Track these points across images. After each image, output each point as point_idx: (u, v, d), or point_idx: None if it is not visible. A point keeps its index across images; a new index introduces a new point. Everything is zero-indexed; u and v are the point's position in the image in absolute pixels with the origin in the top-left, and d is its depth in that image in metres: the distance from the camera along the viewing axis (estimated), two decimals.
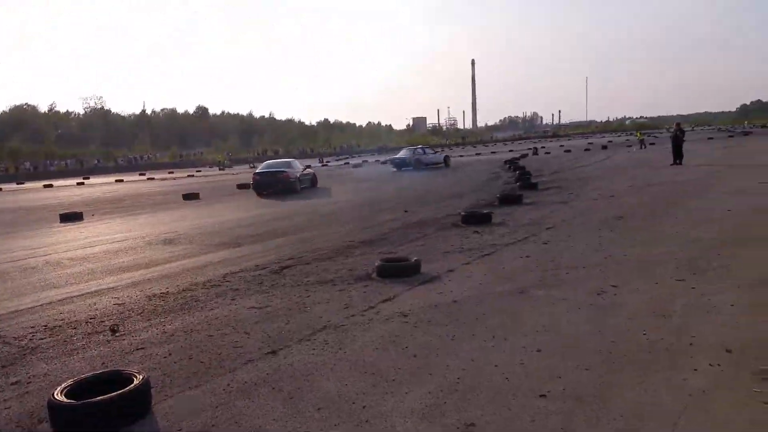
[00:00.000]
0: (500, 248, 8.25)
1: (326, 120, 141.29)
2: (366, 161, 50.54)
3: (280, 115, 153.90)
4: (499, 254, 7.88)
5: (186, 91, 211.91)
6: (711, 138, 48.18)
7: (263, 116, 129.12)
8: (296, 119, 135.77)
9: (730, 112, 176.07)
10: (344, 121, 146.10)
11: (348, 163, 49.90)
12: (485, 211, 11.17)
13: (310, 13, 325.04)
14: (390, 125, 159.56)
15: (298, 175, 22.21)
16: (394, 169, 32.71)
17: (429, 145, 57.33)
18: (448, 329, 4.86)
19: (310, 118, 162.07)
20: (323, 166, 49.30)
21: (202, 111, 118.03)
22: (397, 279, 6.68)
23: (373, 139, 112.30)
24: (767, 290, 5.27)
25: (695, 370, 3.68)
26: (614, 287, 5.78)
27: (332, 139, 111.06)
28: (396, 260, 7.21)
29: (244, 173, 42.76)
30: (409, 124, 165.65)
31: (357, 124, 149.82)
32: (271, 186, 21.41)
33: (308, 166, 26.71)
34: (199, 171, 53.81)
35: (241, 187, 25.57)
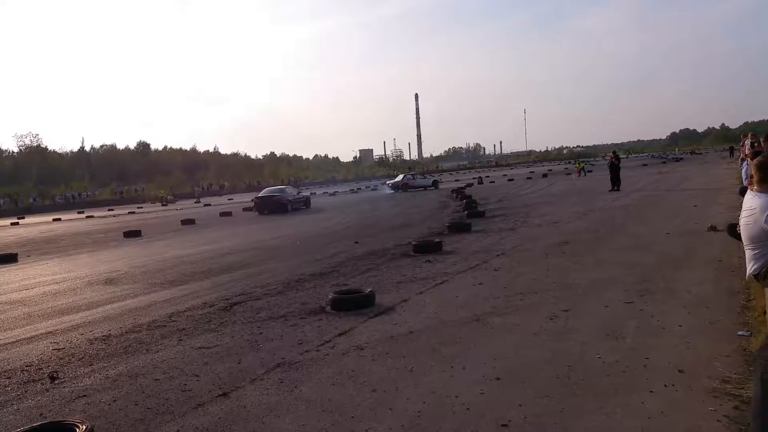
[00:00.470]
0: (453, 276, 8.27)
1: (272, 153, 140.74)
2: (314, 193, 50.33)
3: (225, 149, 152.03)
4: (452, 283, 7.89)
5: (126, 127, 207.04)
6: (645, 165, 50.49)
7: (207, 150, 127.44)
8: (242, 153, 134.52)
9: (660, 139, 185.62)
10: (291, 155, 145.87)
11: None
12: (436, 240, 11.23)
13: (251, 46, 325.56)
14: (337, 157, 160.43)
15: (290, 199, 28.36)
16: (392, 191, 39.88)
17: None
18: (406, 361, 4.78)
19: (256, 152, 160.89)
20: None
21: (143, 146, 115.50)
22: (351, 311, 6.58)
23: (321, 171, 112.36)
24: (709, 310, 5.44)
25: (651, 391, 3.72)
26: (566, 311, 5.86)
27: (279, 172, 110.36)
28: (350, 292, 7.11)
29: (188, 208, 41.81)
30: (356, 156, 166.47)
31: (304, 157, 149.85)
32: (267, 207, 27.51)
33: (300, 191, 34.51)
34: (141, 207, 52.22)
35: (186, 222, 24.93)
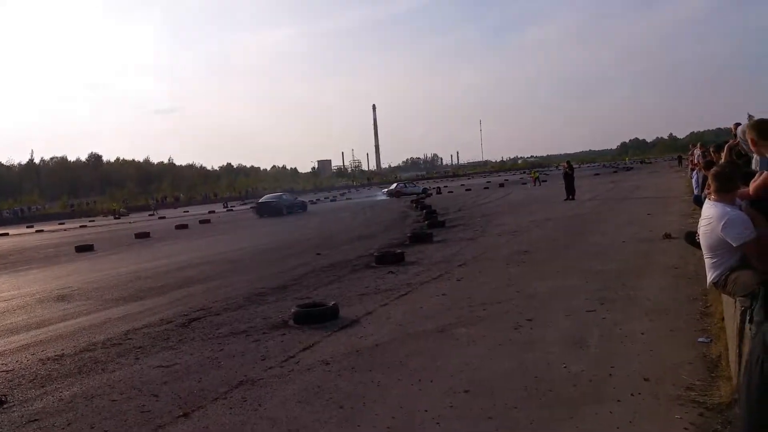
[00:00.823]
0: (416, 287, 8.25)
1: (229, 164, 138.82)
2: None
3: (180, 161, 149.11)
4: (415, 294, 7.86)
5: (78, 139, 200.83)
6: (597, 174, 51.91)
7: (162, 162, 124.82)
8: (197, 164, 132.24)
9: (611, 149, 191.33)
10: (248, 165, 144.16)
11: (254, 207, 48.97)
12: (398, 251, 11.21)
13: (206, 54, 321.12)
14: (295, 168, 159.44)
15: (286, 204, 33.61)
16: (386, 197, 46.87)
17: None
18: (372, 375, 4.71)
19: (212, 163, 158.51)
20: (228, 211, 48.10)
21: (94, 158, 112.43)
22: (315, 325, 6.46)
23: (279, 182, 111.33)
24: (670, 317, 5.56)
25: (618, 401, 3.75)
26: (530, 321, 5.89)
27: (236, 183, 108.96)
28: (313, 305, 6.99)
29: (142, 221, 40.75)
30: (314, 167, 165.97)
31: (261, 168, 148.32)
32: (266, 211, 32.47)
33: (297, 198, 39.07)
34: (93, 221, 50.66)
35: (140, 236, 24.25)
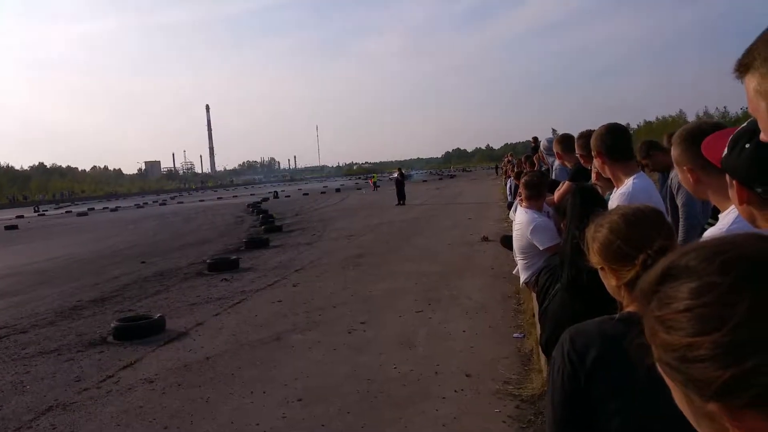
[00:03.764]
0: (251, 295, 8.04)
1: (41, 164, 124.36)
2: (93, 209, 45.66)
3: None
4: (250, 301, 7.66)
5: None
6: (425, 181, 54.92)
7: None
8: (3, 163, 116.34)
9: (437, 157, 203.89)
10: (64, 165, 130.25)
11: (71, 211, 44.35)
12: (233, 257, 10.85)
13: (12, 43, 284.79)
14: (119, 169, 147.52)
15: None
16: None
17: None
18: (201, 391, 4.49)
19: (22, 162, 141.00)
20: (39, 215, 43.10)
21: None
22: (138, 340, 6.00)
23: (100, 185, 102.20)
24: (488, 315, 6.03)
25: (444, 398, 3.98)
26: (363, 324, 6.04)
27: (50, 185, 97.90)
28: (136, 319, 6.49)
29: None
30: (141, 168, 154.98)
31: (80, 169, 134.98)
32: None
33: None
34: None
35: None
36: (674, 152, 1.74)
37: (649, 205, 1.47)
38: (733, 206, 1.52)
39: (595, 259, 1.37)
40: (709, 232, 1.62)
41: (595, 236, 1.36)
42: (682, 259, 0.53)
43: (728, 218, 1.57)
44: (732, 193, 1.21)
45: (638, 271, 1.26)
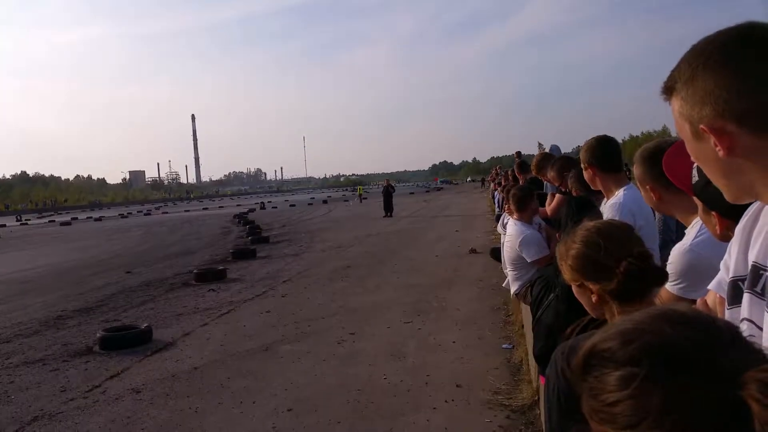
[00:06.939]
0: (239, 305, 7.99)
1: (24, 173, 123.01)
2: (76, 218, 45.14)
3: None
4: (238, 312, 7.62)
5: None
6: (412, 193, 55.10)
7: None
8: None
9: (423, 170, 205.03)
10: (47, 174, 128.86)
11: (54, 221, 43.80)
12: (220, 268, 10.80)
13: (6, 57, 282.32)
14: (103, 179, 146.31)
15: None
16: None
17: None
18: (190, 401, 4.45)
19: (4, 171, 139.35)
20: (22, 224, 42.51)
21: None
22: (125, 350, 5.94)
23: (84, 194, 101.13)
24: (477, 326, 6.06)
25: (434, 408, 3.98)
26: (352, 335, 6.03)
27: (33, 194, 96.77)
28: (122, 329, 6.43)
29: None
30: (125, 178, 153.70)
31: (63, 178, 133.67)
32: None
33: None
34: None
35: None
36: (636, 172, 1.76)
37: (614, 219, 1.50)
38: (696, 220, 1.58)
39: (570, 275, 1.36)
40: (676, 248, 1.67)
41: (569, 253, 1.35)
42: (605, 344, 0.54)
43: (692, 232, 1.64)
44: (705, 217, 1.24)
45: (620, 280, 1.25)
